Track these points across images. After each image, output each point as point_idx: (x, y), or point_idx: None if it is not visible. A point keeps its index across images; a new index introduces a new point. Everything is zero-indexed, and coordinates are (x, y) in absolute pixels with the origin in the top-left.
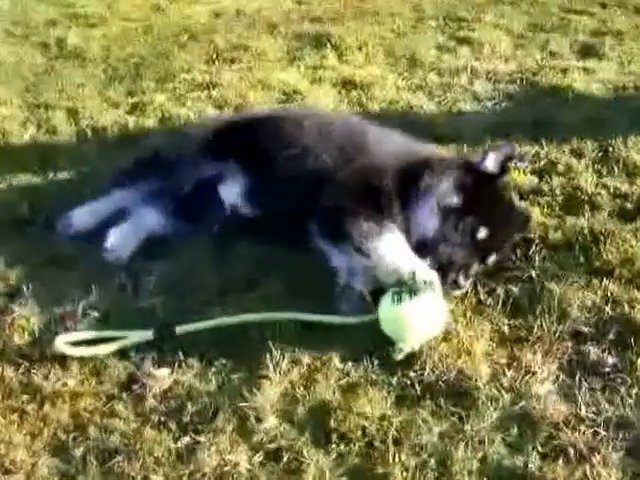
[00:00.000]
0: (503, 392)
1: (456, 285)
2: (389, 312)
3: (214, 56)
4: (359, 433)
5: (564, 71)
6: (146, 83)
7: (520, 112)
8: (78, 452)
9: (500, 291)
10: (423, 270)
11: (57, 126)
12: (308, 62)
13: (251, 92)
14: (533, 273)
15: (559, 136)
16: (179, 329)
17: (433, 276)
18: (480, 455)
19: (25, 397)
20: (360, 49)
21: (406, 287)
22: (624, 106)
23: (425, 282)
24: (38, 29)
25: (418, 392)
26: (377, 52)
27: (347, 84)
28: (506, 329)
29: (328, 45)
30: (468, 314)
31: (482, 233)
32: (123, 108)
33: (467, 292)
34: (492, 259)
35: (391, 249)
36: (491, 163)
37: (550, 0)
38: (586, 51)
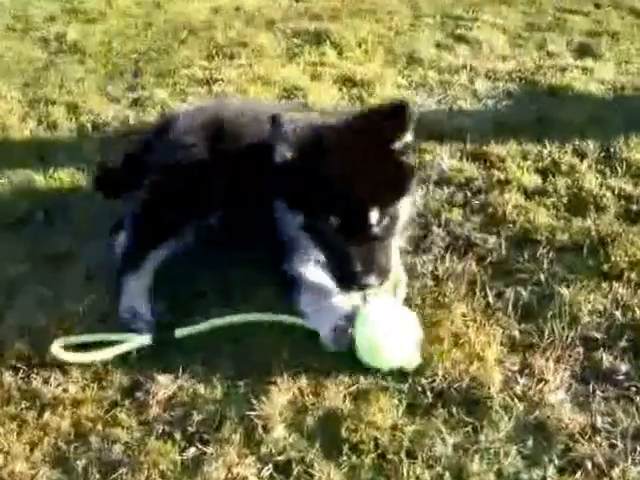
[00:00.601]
0: (516, 401)
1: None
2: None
3: (214, 52)
4: (371, 444)
5: (562, 70)
6: (147, 78)
7: (521, 111)
8: (80, 464)
9: (509, 294)
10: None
11: (57, 121)
12: (308, 59)
13: (251, 88)
14: (542, 276)
15: (561, 135)
16: (178, 332)
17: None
18: (496, 468)
19: (24, 404)
20: (359, 46)
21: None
22: (624, 106)
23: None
24: (38, 24)
25: (430, 400)
26: (376, 50)
27: (347, 81)
28: (517, 334)
29: (327, 42)
30: (478, 318)
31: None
32: (123, 103)
33: (476, 294)
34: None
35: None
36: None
37: (546, 0)
38: (583, 51)
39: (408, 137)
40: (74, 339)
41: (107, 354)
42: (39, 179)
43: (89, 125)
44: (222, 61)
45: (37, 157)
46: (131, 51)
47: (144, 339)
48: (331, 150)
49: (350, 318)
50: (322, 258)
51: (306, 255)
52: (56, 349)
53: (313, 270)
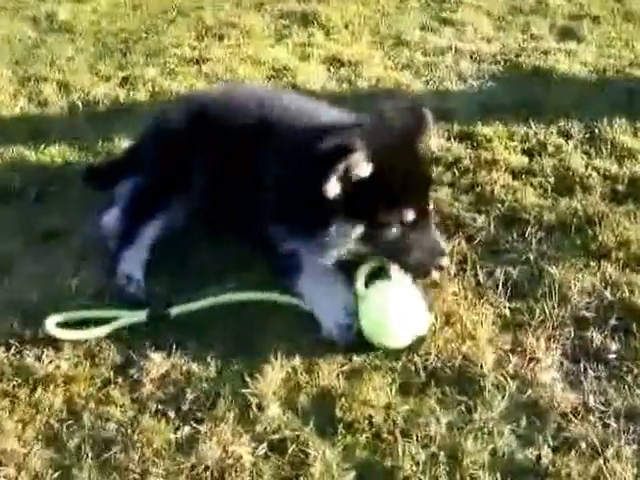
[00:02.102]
0: (509, 379)
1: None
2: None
3: (203, 32)
4: (365, 423)
5: (546, 53)
6: (136, 57)
7: (506, 92)
8: (72, 442)
9: (499, 273)
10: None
11: (48, 98)
12: (296, 40)
13: (241, 67)
14: (531, 255)
15: (546, 117)
16: (174, 310)
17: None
18: (490, 448)
19: (16, 380)
20: (346, 28)
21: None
22: (607, 89)
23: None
24: (28, 3)
25: (423, 379)
26: (363, 31)
27: (335, 62)
28: (507, 313)
29: (315, 23)
30: (469, 296)
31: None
32: (114, 81)
33: (466, 273)
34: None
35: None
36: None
37: None
38: (565, 34)
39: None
40: (68, 316)
41: (101, 331)
42: (30, 156)
43: (80, 103)
44: (211, 41)
45: (28, 134)
46: (121, 30)
47: (139, 316)
48: (387, 159)
49: (352, 311)
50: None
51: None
52: (49, 326)
53: (315, 250)
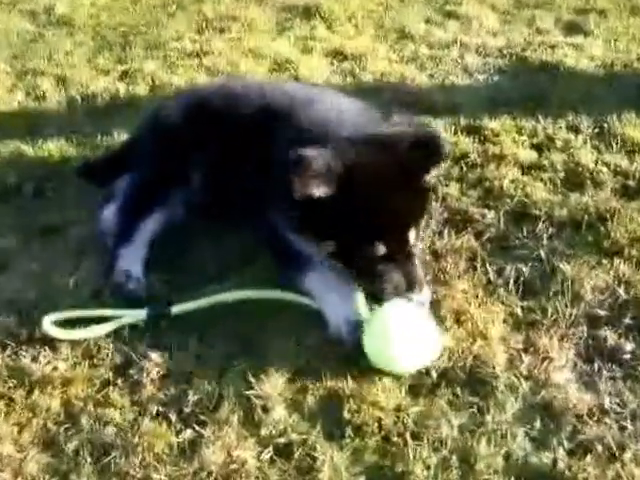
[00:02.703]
0: (522, 380)
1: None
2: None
3: (204, 26)
4: (375, 426)
5: (552, 47)
6: (136, 51)
7: (513, 86)
8: (70, 446)
9: (510, 270)
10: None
11: (46, 93)
12: (298, 33)
13: (242, 61)
14: (542, 252)
15: (554, 111)
16: (175, 309)
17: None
18: (504, 451)
19: (12, 382)
20: (349, 21)
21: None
22: (615, 83)
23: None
24: None
25: (434, 379)
26: (366, 24)
27: (338, 55)
28: (519, 311)
29: (317, 16)
30: (480, 294)
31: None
32: (113, 75)
33: (476, 271)
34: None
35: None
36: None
37: None
38: (572, 28)
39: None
40: (66, 314)
41: (100, 330)
42: (28, 150)
43: (78, 97)
44: (212, 34)
45: (26, 129)
46: (120, 24)
47: (139, 315)
48: (366, 183)
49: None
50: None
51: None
52: (47, 325)
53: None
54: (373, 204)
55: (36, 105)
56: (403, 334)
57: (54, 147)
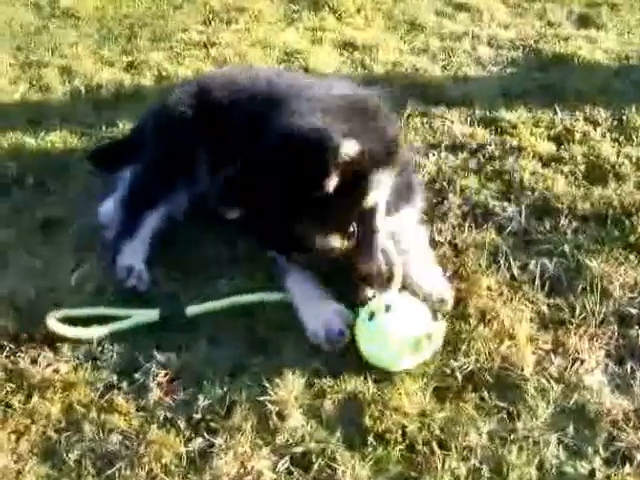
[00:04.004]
0: (552, 383)
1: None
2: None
3: (210, 17)
4: (398, 433)
5: (566, 39)
6: (142, 42)
7: (527, 78)
8: (72, 456)
9: (534, 266)
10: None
11: (50, 84)
12: (307, 24)
13: (250, 51)
14: (566, 247)
15: (571, 103)
16: (190, 309)
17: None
18: (537, 460)
19: (10, 386)
20: (358, 12)
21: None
22: (631, 75)
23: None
24: None
25: (459, 383)
26: (376, 16)
27: (348, 46)
28: (546, 309)
29: (326, 8)
30: (504, 291)
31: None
32: (118, 66)
33: (500, 266)
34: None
35: None
36: None
37: None
38: (584, 21)
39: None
40: (72, 312)
41: (110, 329)
42: (30, 142)
43: (82, 88)
44: (219, 26)
45: (28, 120)
46: (125, 16)
47: (151, 315)
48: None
49: (344, 315)
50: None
51: None
52: (52, 322)
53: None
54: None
55: (39, 96)
56: (398, 332)
57: (57, 139)
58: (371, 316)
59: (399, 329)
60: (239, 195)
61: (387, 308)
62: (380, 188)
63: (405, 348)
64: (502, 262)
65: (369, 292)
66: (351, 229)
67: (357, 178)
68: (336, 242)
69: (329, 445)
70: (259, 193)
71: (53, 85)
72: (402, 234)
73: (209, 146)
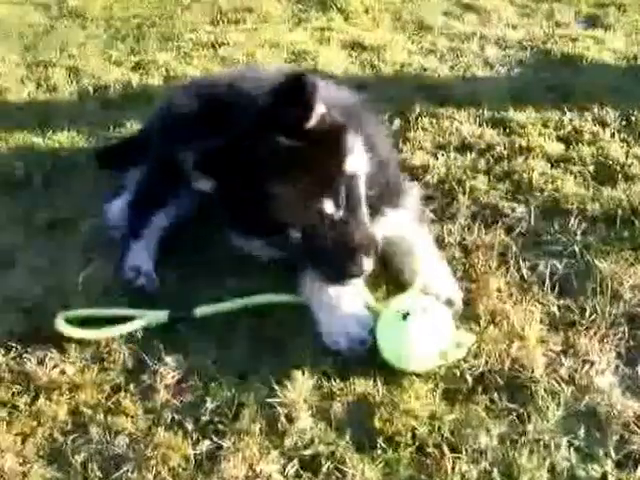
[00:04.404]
0: (563, 385)
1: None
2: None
3: (218, 17)
4: (408, 436)
5: (574, 40)
6: (150, 42)
7: (536, 79)
8: (78, 458)
9: (543, 267)
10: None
11: (57, 84)
12: (315, 24)
13: (259, 51)
14: (576, 248)
15: (579, 104)
16: (199, 311)
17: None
18: (548, 463)
19: (16, 388)
20: (367, 12)
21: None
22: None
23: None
24: None
25: (469, 384)
26: (384, 16)
27: (356, 46)
28: (556, 311)
29: (334, 8)
30: (514, 292)
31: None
32: (126, 66)
33: (509, 267)
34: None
35: None
36: None
37: None
38: (592, 22)
39: (320, 109)
40: (81, 313)
41: (119, 330)
42: (37, 142)
43: (90, 88)
44: (227, 26)
45: (36, 120)
46: (133, 16)
47: (160, 316)
48: (251, 169)
49: (367, 324)
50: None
51: None
52: (60, 323)
53: None
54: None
55: (47, 96)
56: (417, 335)
57: (64, 138)
58: (405, 316)
59: (431, 333)
60: (221, 161)
61: (424, 310)
62: (355, 153)
63: (433, 353)
64: (512, 263)
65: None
66: (340, 197)
67: (331, 136)
68: (329, 208)
69: (338, 448)
70: (243, 157)
71: (61, 85)
72: (400, 236)
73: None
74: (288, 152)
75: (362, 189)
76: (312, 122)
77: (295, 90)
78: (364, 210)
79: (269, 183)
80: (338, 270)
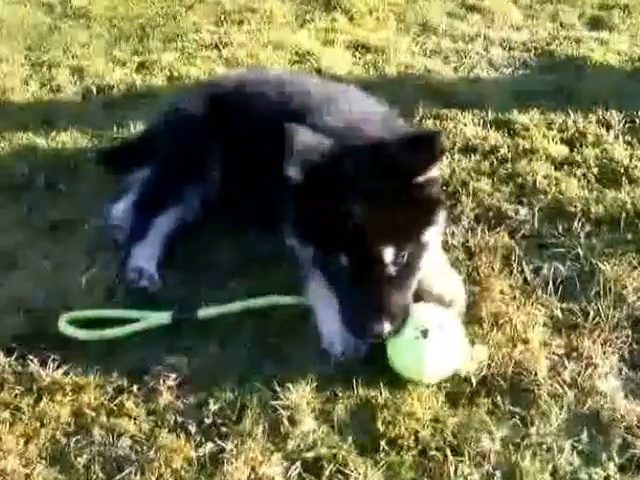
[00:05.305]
0: (566, 388)
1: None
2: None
3: (222, 17)
4: (411, 439)
5: (578, 42)
6: (153, 43)
7: (540, 80)
8: (81, 460)
9: (547, 270)
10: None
11: (61, 84)
12: (319, 25)
13: (262, 52)
14: (579, 250)
15: (583, 106)
16: (201, 312)
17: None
18: (551, 466)
19: (19, 389)
20: (371, 13)
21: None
22: None
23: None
24: None
25: (472, 388)
26: (388, 17)
27: (361, 47)
28: (559, 314)
29: (338, 9)
30: (517, 295)
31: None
32: (130, 67)
33: (512, 270)
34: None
35: None
36: None
37: None
38: (596, 23)
39: (434, 172)
40: (84, 314)
41: (121, 332)
42: (41, 142)
43: (94, 88)
44: (231, 26)
45: (39, 120)
46: (137, 16)
47: (163, 318)
48: (346, 178)
49: None
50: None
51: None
52: (63, 324)
53: None
54: (337, 204)
55: (51, 97)
56: (438, 351)
57: (68, 139)
58: (425, 333)
59: (449, 351)
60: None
61: (441, 327)
62: (436, 226)
63: (449, 369)
64: (515, 266)
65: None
66: (403, 255)
67: (428, 198)
68: (388, 257)
69: (341, 451)
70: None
71: (64, 85)
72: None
73: (221, 149)
74: (389, 189)
75: (421, 262)
76: (423, 177)
77: (428, 145)
78: (413, 282)
79: (357, 202)
80: (359, 321)
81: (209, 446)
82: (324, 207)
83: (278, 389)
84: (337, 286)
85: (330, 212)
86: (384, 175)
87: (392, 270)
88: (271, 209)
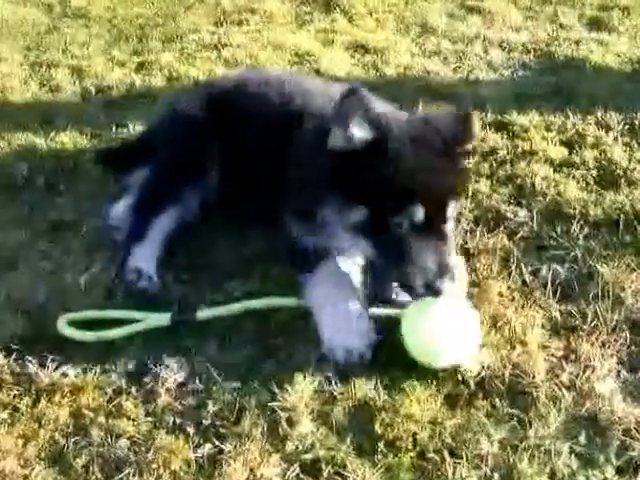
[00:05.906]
0: (564, 390)
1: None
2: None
3: (221, 18)
4: (409, 441)
5: (577, 43)
6: (153, 43)
7: (539, 82)
8: (79, 461)
9: (545, 272)
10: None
11: (60, 84)
12: (318, 26)
13: (262, 53)
14: (578, 252)
15: (583, 107)
16: (200, 313)
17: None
18: (549, 469)
19: (17, 390)
20: (370, 14)
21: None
22: None
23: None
24: None
25: (470, 390)
26: (387, 18)
27: (360, 48)
28: (558, 316)
29: (337, 10)
30: (516, 297)
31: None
32: (129, 67)
33: (511, 272)
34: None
35: None
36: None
37: None
38: (595, 24)
39: (469, 146)
40: (84, 315)
41: (120, 333)
42: (40, 143)
43: (93, 88)
44: (230, 27)
45: (39, 120)
46: (136, 17)
47: (162, 319)
48: (417, 138)
49: (368, 336)
50: (378, 263)
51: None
52: (62, 325)
53: (336, 262)
54: (416, 165)
55: (50, 97)
56: (445, 327)
57: (67, 139)
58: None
59: (458, 325)
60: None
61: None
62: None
63: (458, 346)
64: (513, 268)
65: None
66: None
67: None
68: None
69: (339, 452)
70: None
71: (63, 85)
72: None
73: (221, 150)
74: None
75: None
76: (464, 149)
77: (468, 121)
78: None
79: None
80: (421, 279)
81: (207, 447)
82: (395, 165)
83: (277, 390)
84: (387, 250)
85: (406, 169)
86: (437, 142)
87: (448, 229)
88: (273, 205)
